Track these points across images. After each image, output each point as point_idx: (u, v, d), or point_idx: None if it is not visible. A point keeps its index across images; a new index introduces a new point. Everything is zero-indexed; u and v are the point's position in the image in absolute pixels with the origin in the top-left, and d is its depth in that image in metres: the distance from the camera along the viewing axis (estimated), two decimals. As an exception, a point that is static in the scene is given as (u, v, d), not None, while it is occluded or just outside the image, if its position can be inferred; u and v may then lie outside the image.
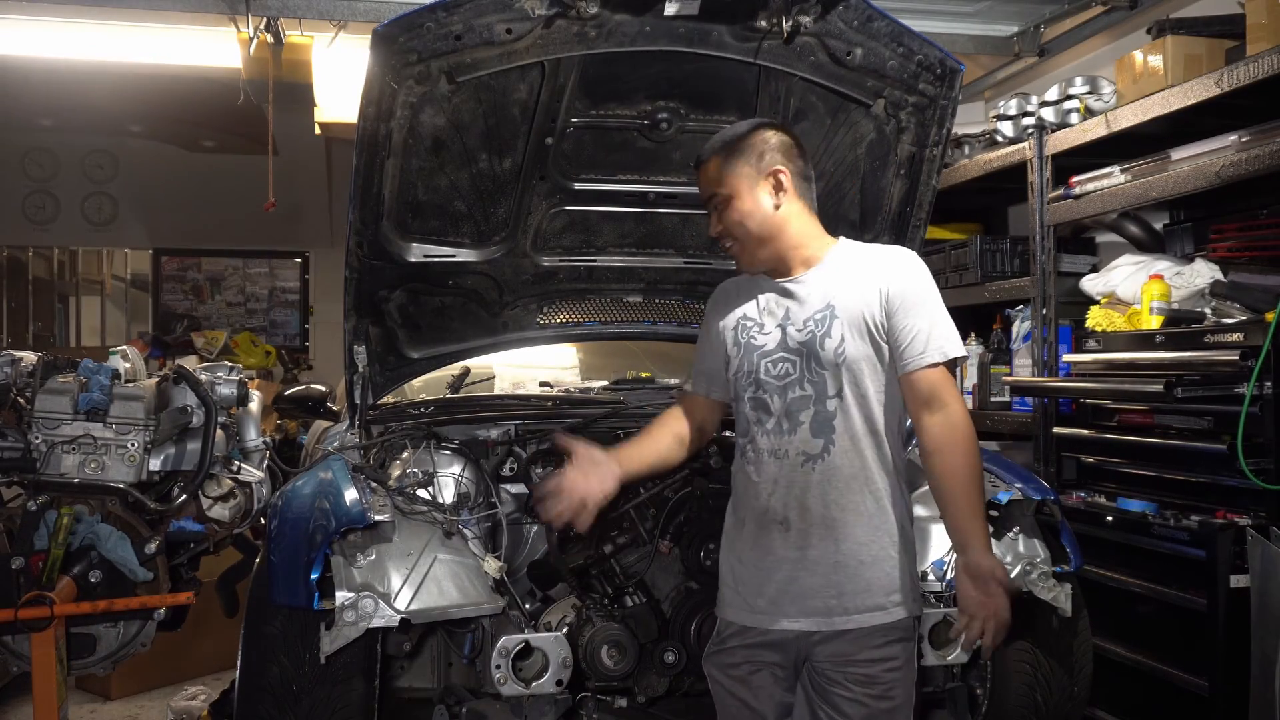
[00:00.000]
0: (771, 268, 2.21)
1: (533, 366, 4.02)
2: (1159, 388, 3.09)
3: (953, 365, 2.12)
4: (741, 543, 2.20)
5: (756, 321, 2.22)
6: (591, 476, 2.19)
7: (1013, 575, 2.60)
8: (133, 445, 2.75)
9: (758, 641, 2.16)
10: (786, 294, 2.20)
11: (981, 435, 4.01)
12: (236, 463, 3.01)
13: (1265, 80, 2.93)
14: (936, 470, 2.09)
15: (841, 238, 2.26)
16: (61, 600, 2.61)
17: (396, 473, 2.70)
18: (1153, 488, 3.39)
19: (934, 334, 2.09)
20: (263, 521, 2.83)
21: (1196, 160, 3.25)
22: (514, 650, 2.37)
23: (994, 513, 2.70)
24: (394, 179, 2.63)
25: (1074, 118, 3.79)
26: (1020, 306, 4.13)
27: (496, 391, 3.77)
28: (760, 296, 2.24)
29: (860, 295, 2.12)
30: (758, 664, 2.17)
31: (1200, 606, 3.01)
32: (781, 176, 2.15)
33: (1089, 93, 3.78)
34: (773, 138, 2.17)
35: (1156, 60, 3.50)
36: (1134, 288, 3.52)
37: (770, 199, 2.15)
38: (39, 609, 2.58)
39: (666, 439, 2.36)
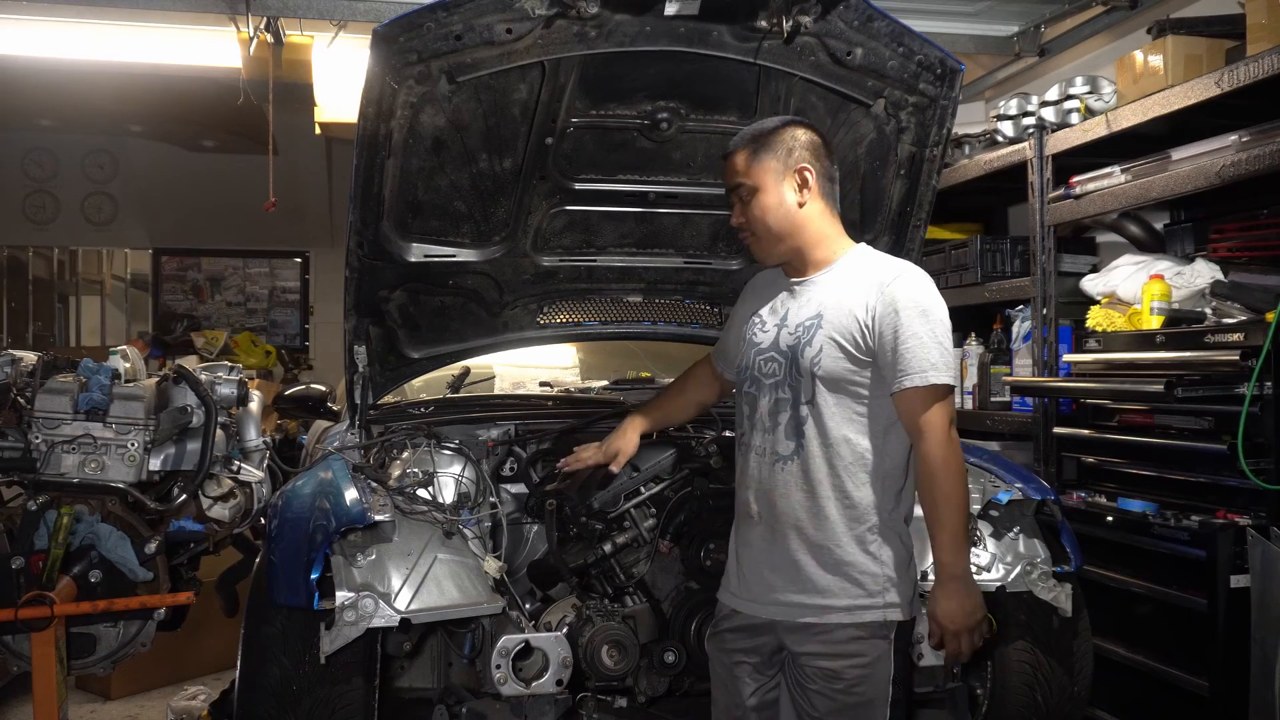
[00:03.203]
0: (787, 263, 2.26)
1: (533, 366, 4.02)
2: (1159, 388, 3.09)
3: (941, 390, 2.07)
4: (735, 530, 2.30)
5: (762, 319, 2.28)
6: (618, 437, 2.59)
7: (1013, 575, 2.62)
8: (133, 445, 2.74)
9: (738, 626, 2.24)
10: (792, 294, 2.25)
11: (981, 435, 4.07)
12: (236, 463, 3.00)
13: (1265, 80, 2.93)
14: (920, 499, 2.14)
15: (862, 244, 2.27)
16: (61, 600, 2.61)
17: (396, 473, 2.70)
18: (1153, 488, 3.38)
19: (920, 357, 2.05)
20: (263, 521, 2.83)
21: (1197, 160, 3.25)
22: (514, 650, 2.37)
23: (994, 513, 2.70)
24: (394, 179, 2.63)
25: (1074, 118, 3.79)
26: (1020, 306, 4.13)
27: (496, 391, 3.77)
28: (772, 294, 2.30)
29: (849, 309, 2.12)
30: (738, 654, 2.24)
31: (1200, 606, 3.00)
32: (808, 174, 2.18)
33: (1089, 93, 3.78)
34: (802, 135, 2.20)
35: (1157, 60, 3.50)
36: (1134, 288, 3.52)
37: (794, 195, 2.18)
38: (39, 609, 2.58)
39: (680, 400, 2.65)
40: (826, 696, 2.11)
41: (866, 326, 2.09)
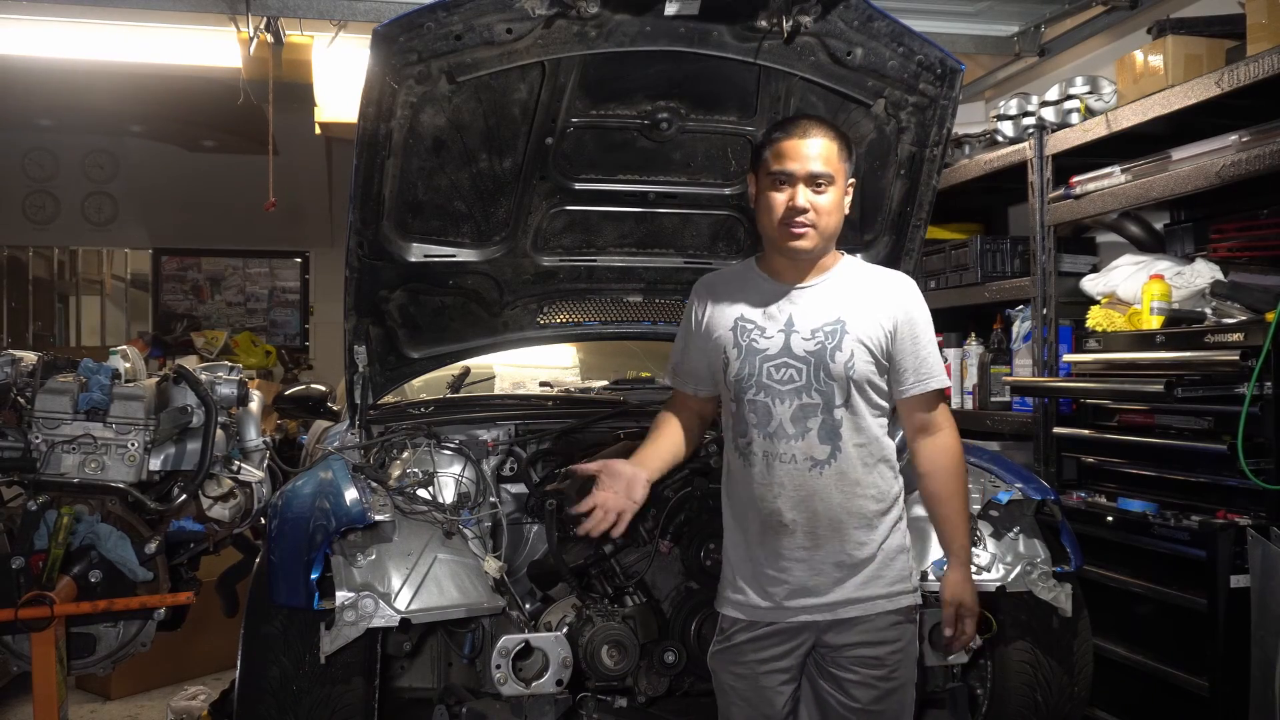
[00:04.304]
0: (794, 267, 2.24)
1: (533, 366, 4.02)
2: (1159, 388, 3.09)
3: (944, 392, 2.29)
4: (748, 542, 2.22)
5: (757, 324, 2.23)
6: (621, 491, 2.25)
7: (1013, 575, 2.62)
8: (133, 445, 2.75)
9: (766, 633, 2.20)
10: (790, 299, 2.23)
11: (981, 435, 4.07)
12: (236, 463, 3.01)
13: (1265, 80, 2.93)
14: (928, 491, 2.27)
15: (844, 253, 2.32)
16: (61, 600, 2.61)
17: (396, 473, 2.70)
18: (1153, 488, 3.38)
19: (932, 364, 2.23)
20: (263, 521, 2.83)
21: (1197, 160, 3.25)
22: (514, 650, 2.37)
23: (994, 513, 2.70)
24: (394, 179, 2.63)
25: (1074, 118, 3.79)
26: (1020, 306, 4.12)
27: (496, 391, 3.77)
28: (759, 297, 2.25)
29: (872, 316, 2.20)
30: (767, 663, 2.20)
31: (1200, 606, 3.00)
32: (852, 189, 2.25)
33: (1089, 93, 3.78)
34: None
35: (1157, 60, 3.49)
36: (1134, 288, 3.52)
37: (846, 203, 2.23)
38: (39, 609, 2.58)
39: (677, 435, 2.39)
40: (868, 685, 2.15)
41: (890, 334, 2.20)
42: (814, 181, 2.14)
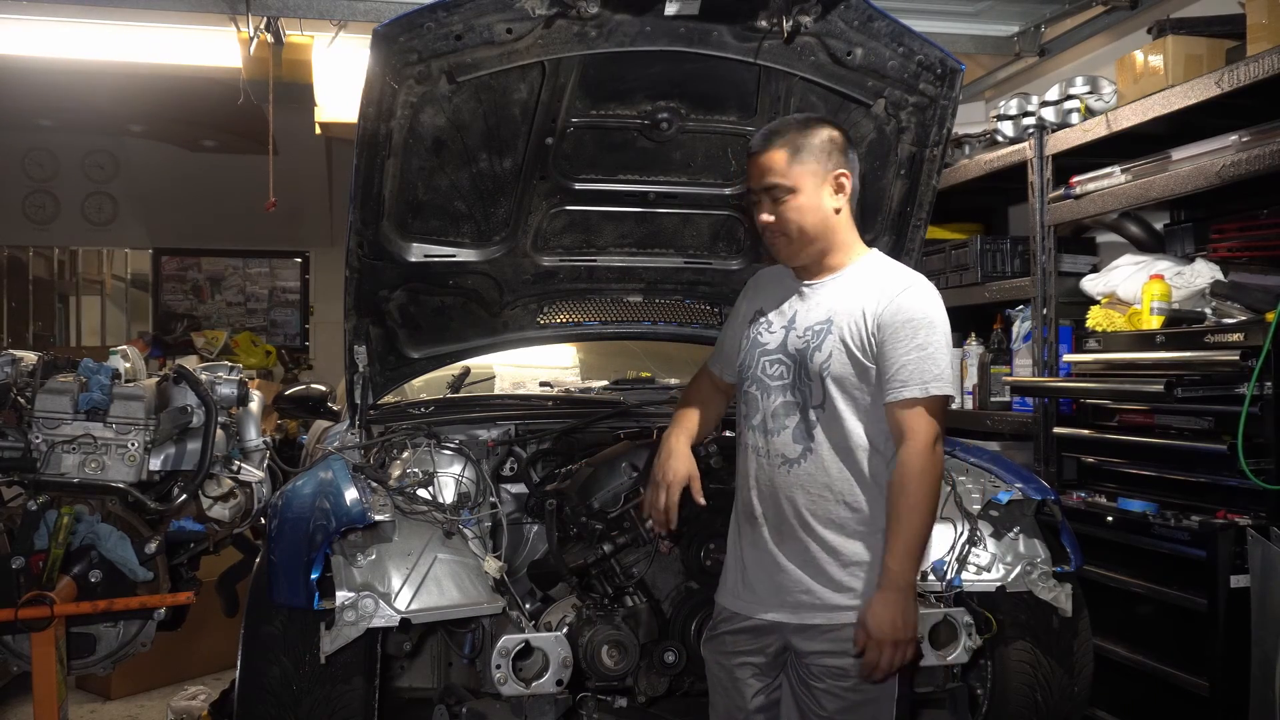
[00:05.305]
0: (805, 266, 2.23)
1: (533, 366, 4.02)
2: (1159, 388, 3.09)
3: (938, 402, 2.10)
4: (739, 531, 2.27)
5: (768, 319, 2.27)
6: (679, 460, 2.32)
7: (1013, 575, 2.61)
8: (133, 445, 2.75)
9: (741, 628, 2.23)
10: (801, 297, 2.24)
11: (981, 435, 4.07)
12: (236, 463, 3.00)
13: (1265, 80, 2.93)
14: (887, 502, 2.11)
15: (875, 250, 2.28)
16: (61, 600, 2.61)
17: (396, 473, 2.70)
18: (1153, 488, 3.38)
19: (919, 369, 2.07)
20: (263, 521, 2.83)
21: (1197, 160, 3.25)
22: (514, 650, 2.37)
23: (994, 513, 2.71)
24: (394, 179, 2.63)
25: (1074, 118, 3.79)
26: (1020, 306, 4.13)
27: (496, 391, 3.77)
28: (780, 294, 2.28)
29: (856, 313, 2.14)
30: (740, 656, 2.23)
31: (1200, 606, 3.00)
32: (844, 180, 2.18)
33: (1089, 93, 3.78)
34: (839, 138, 2.18)
35: (1157, 60, 3.50)
36: (1134, 288, 3.52)
37: (830, 200, 2.17)
38: (39, 609, 2.58)
39: (702, 416, 2.43)
40: (835, 695, 2.11)
41: (872, 334, 2.11)
42: (770, 194, 2.16)
